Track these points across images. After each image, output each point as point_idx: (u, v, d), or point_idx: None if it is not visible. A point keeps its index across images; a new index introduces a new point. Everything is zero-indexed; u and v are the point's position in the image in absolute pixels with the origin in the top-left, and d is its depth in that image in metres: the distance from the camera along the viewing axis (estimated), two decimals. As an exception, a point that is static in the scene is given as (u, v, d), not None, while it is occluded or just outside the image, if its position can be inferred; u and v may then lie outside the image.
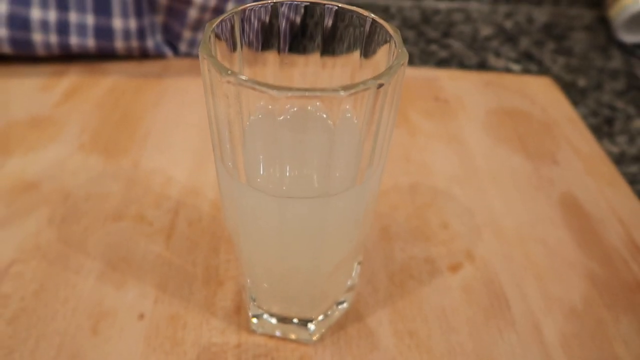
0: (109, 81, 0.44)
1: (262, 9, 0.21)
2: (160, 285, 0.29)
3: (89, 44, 0.44)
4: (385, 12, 0.63)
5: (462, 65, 0.53)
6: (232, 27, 0.20)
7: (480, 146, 0.40)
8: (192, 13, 0.44)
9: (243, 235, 0.22)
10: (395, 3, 0.65)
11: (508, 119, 0.43)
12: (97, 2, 0.43)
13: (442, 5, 0.65)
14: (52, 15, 0.43)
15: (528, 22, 0.63)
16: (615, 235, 0.34)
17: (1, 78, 0.44)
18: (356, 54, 0.21)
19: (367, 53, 0.21)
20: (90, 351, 0.26)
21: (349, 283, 0.27)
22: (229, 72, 0.16)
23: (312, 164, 0.20)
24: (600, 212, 0.35)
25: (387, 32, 0.19)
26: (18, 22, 0.42)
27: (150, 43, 0.46)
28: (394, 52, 0.19)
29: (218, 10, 0.44)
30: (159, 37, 0.47)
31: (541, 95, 0.47)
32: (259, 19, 0.21)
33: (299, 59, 0.24)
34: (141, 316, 0.27)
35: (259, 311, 0.26)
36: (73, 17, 0.43)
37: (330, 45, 0.22)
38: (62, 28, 0.43)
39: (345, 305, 0.28)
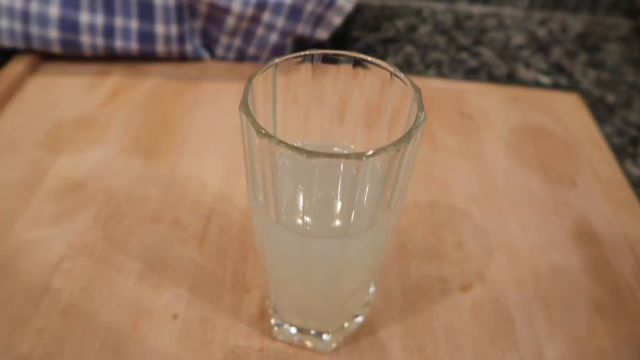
0: (150, 83, 0.47)
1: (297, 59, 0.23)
2: (193, 288, 0.32)
3: (132, 47, 0.47)
4: (417, 15, 0.64)
5: (491, 75, 0.54)
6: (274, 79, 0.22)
7: (500, 165, 0.41)
8: (230, 21, 0.46)
9: (269, 260, 0.24)
10: (428, 5, 0.66)
11: (531, 138, 0.44)
12: (142, 8, 0.45)
13: (476, 10, 0.65)
14: (99, 19, 0.45)
15: (562, 30, 0.62)
16: (625, 263, 0.35)
17: (52, 75, 0.47)
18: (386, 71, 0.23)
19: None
20: (130, 346, 0.29)
21: (365, 299, 0.30)
22: (263, 131, 0.18)
23: (335, 206, 0.22)
24: (614, 239, 0.36)
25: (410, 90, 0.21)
26: (68, 25, 0.45)
27: (188, 47, 0.48)
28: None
29: (255, 19, 0.46)
30: (197, 41, 0.49)
31: (567, 113, 0.47)
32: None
33: (331, 68, 0.25)
34: (175, 316, 0.30)
35: (280, 321, 0.29)
36: (118, 21, 0.46)
37: (361, 62, 0.24)
38: (108, 31, 0.46)
39: (360, 319, 0.30)
